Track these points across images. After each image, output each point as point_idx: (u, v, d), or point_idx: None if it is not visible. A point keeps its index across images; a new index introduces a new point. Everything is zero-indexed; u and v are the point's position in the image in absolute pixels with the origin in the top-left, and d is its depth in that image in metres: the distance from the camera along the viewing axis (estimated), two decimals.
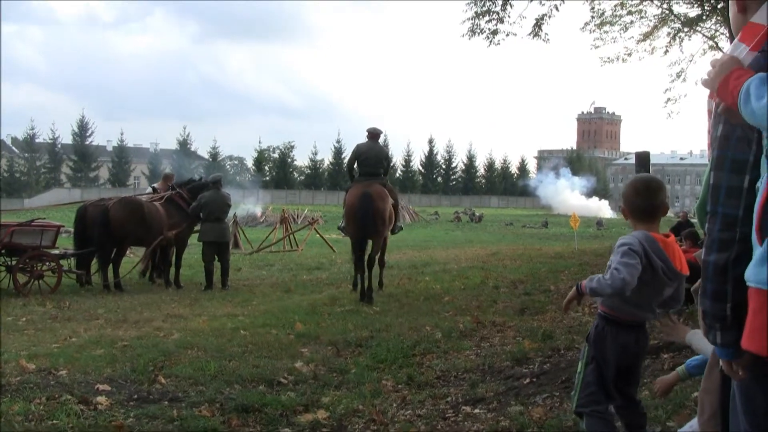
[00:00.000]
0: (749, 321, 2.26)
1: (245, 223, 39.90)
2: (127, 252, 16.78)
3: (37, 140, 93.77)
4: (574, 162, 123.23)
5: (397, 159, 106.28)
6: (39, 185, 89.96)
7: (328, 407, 5.87)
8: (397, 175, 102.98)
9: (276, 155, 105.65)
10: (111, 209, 14.15)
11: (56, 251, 14.19)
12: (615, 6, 22.31)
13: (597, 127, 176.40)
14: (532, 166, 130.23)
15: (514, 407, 5.68)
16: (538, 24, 20.30)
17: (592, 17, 22.38)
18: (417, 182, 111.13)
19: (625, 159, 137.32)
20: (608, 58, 24.28)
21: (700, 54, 24.22)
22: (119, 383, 6.42)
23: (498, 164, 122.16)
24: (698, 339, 3.77)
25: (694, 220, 14.53)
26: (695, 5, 22.25)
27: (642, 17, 22.98)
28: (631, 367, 4.07)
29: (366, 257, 12.33)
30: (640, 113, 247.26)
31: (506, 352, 7.84)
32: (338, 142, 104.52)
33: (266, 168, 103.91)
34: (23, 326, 9.72)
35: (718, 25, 21.93)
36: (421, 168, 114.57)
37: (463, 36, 20.31)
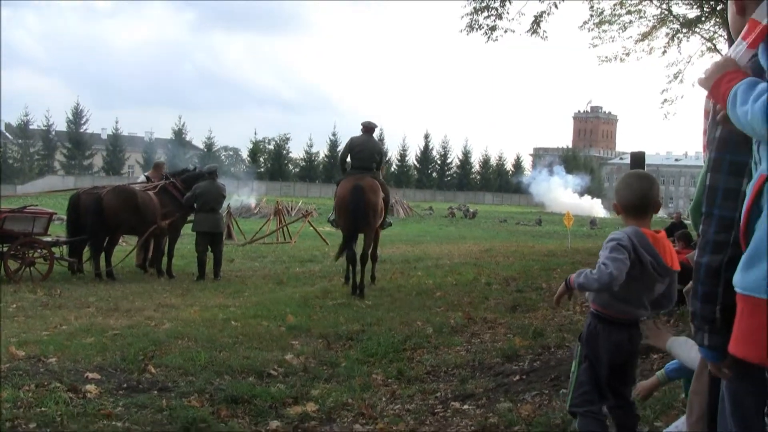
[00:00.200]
0: (736, 326, 2.26)
1: (239, 214, 39.87)
2: (120, 240, 16.75)
3: (31, 127, 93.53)
4: (570, 160, 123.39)
5: (393, 153, 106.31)
6: (32, 172, 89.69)
7: (317, 400, 5.88)
8: (393, 169, 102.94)
9: (271, 147, 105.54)
10: (104, 197, 14.10)
11: (48, 238, 14.14)
12: (614, 5, 22.29)
13: (593, 126, 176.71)
14: (527, 163, 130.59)
15: (503, 404, 5.70)
16: (537, 21, 20.30)
17: (591, 16, 22.38)
18: (412, 177, 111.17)
19: (621, 159, 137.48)
20: (606, 57, 24.29)
21: (698, 55, 24.27)
22: (109, 372, 6.41)
23: (493, 161, 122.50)
24: (678, 346, 3.78)
25: (688, 222, 14.54)
26: (694, 6, 22.26)
27: (641, 17, 22.99)
28: (625, 366, 4.05)
29: (359, 252, 12.32)
30: (637, 113, 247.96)
31: (497, 348, 7.84)
32: (334, 135, 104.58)
33: (261, 159, 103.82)
34: (13, 313, 9.70)
35: (716, 26, 21.95)
36: (416, 163, 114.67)
37: (461, 31, 20.30)
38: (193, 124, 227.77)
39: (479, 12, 19.78)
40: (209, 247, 14.46)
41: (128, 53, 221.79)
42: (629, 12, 22.61)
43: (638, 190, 3.93)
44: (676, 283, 4.06)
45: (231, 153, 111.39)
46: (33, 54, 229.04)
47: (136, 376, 6.35)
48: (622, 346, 3.96)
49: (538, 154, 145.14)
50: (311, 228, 27.57)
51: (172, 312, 9.89)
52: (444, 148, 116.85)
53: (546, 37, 20.74)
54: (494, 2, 19.47)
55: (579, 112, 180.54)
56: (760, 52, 2.30)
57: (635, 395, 4.25)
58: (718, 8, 19.78)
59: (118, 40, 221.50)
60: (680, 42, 23.47)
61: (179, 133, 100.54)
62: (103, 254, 14.23)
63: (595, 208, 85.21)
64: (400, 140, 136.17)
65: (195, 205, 14.56)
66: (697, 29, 22.94)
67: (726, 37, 19.23)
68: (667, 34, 23.49)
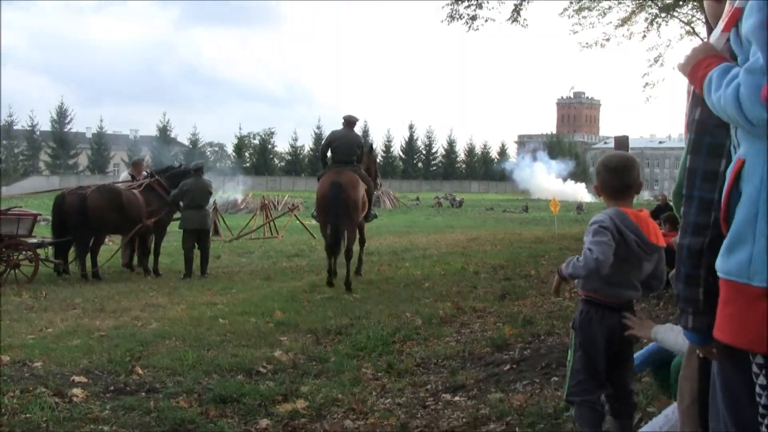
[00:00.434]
0: (719, 311, 2.26)
1: (225, 209, 39.72)
2: (106, 240, 16.65)
3: (15, 127, 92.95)
4: (554, 146, 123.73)
5: (378, 145, 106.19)
6: (17, 173, 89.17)
7: (307, 396, 5.83)
8: (378, 160, 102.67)
9: (256, 141, 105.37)
10: (89, 197, 13.98)
11: (33, 240, 14.03)
12: None
13: (576, 111, 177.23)
14: (512, 150, 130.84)
15: (495, 394, 5.66)
16: (517, 9, 20.39)
17: (571, 2, 22.43)
18: (397, 168, 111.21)
19: (605, 143, 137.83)
20: (587, 43, 24.45)
21: (678, 39, 24.38)
22: (95, 374, 6.34)
23: (478, 149, 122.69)
24: (664, 332, 3.75)
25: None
26: None
27: (620, 2, 23.06)
28: (622, 352, 4.00)
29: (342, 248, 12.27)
30: (619, 98, 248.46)
31: (486, 338, 7.82)
32: (318, 128, 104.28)
33: (246, 154, 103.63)
34: None
35: (694, 10, 22.01)
36: (401, 154, 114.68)
37: (442, 21, 20.35)
38: (178, 120, 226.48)
39: (459, 2, 19.81)
40: (196, 244, 14.39)
41: (112, 51, 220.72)
42: None
43: (617, 171, 3.91)
44: (664, 262, 4.04)
45: (216, 149, 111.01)
46: (16, 53, 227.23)
47: (124, 378, 6.30)
48: (616, 330, 3.91)
49: (523, 141, 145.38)
50: (298, 222, 27.49)
51: (159, 311, 9.82)
52: (429, 138, 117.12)
53: (526, 25, 20.87)
54: None
55: (562, 98, 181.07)
56: (732, 36, 2.29)
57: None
58: None
59: (101, 37, 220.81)
60: (659, 26, 23.60)
61: (164, 130, 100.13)
62: (89, 254, 14.13)
63: (580, 192, 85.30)
64: (385, 131, 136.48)
65: (181, 202, 14.49)
66: (676, 13, 23.03)
67: (704, 20, 19.26)
68: (646, 18, 23.58)
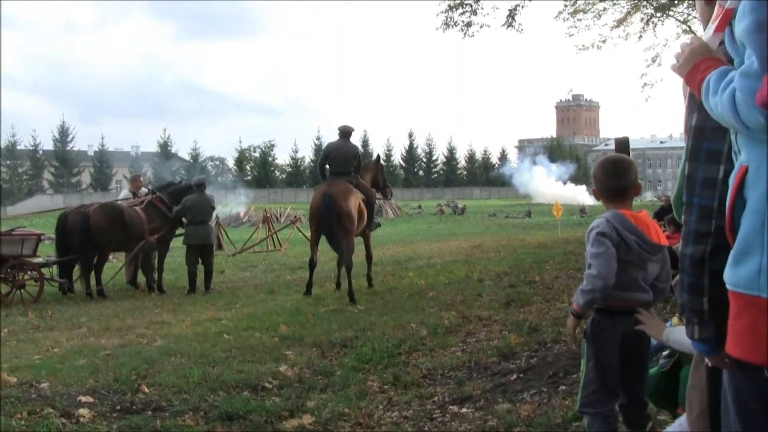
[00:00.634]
0: (730, 325, 2.19)
1: (228, 223, 39.71)
2: (110, 257, 16.66)
3: (18, 147, 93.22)
4: (555, 150, 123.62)
5: (378, 154, 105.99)
6: (21, 192, 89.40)
7: (313, 412, 5.81)
8: None
9: (257, 154, 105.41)
10: (91, 216, 14.03)
11: (38, 259, 14.06)
12: None
13: (575, 114, 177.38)
14: (513, 155, 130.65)
15: (502, 405, 5.63)
16: (512, 14, 20.38)
17: (566, 5, 22.38)
18: (398, 176, 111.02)
19: (606, 145, 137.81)
20: (583, 45, 24.29)
21: (674, 38, 24.32)
22: (102, 394, 6.34)
23: (479, 155, 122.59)
24: (677, 334, 3.69)
25: None
26: None
27: (615, 3, 22.99)
28: (636, 359, 3.93)
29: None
30: (618, 99, 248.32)
31: (492, 347, 7.79)
32: (318, 139, 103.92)
33: (247, 167, 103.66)
34: (5, 338, 9.58)
35: (690, 8, 21.96)
36: (402, 162, 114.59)
37: (437, 29, 20.37)
38: (178, 135, 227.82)
39: (454, 9, 19.85)
40: (200, 259, 14.41)
41: (110, 69, 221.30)
42: None
43: (615, 174, 3.89)
44: (669, 264, 3.98)
45: (217, 162, 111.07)
46: (15, 74, 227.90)
47: (130, 397, 6.29)
48: (628, 336, 3.84)
49: (523, 146, 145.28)
50: (300, 234, 27.47)
51: (164, 328, 9.82)
52: (429, 145, 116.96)
53: (522, 29, 20.85)
54: None
55: (561, 101, 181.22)
56: (726, 37, 2.26)
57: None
58: None
59: (99, 56, 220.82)
60: (655, 26, 23.51)
61: (165, 146, 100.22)
62: (93, 272, 14.15)
63: (580, 195, 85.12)
64: (385, 140, 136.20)
65: (184, 218, 14.52)
66: (671, 12, 22.98)
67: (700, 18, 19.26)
68: (642, 19, 23.51)
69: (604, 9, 22.91)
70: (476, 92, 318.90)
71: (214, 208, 15.17)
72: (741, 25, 2.08)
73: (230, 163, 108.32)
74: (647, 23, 23.47)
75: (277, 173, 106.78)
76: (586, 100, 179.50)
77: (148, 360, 7.60)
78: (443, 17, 20.04)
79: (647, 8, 23.09)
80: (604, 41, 23.86)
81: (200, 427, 5.46)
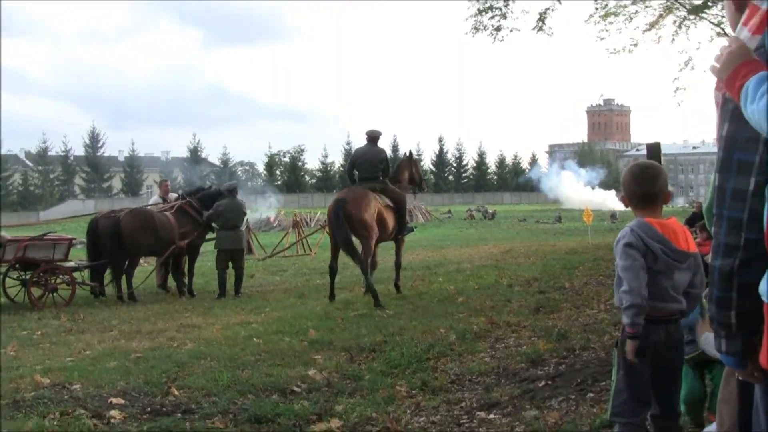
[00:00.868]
0: (765, 338, 2.16)
1: (258, 228, 39.93)
2: (141, 261, 16.82)
3: (49, 153, 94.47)
4: (586, 155, 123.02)
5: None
6: (53, 197, 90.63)
7: (341, 416, 5.83)
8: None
9: (287, 159, 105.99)
10: (122, 221, 14.19)
11: (70, 263, 14.23)
12: None
13: (607, 119, 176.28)
14: (543, 161, 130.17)
15: (530, 411, 5.62)
16: (542, 18, 20.31)
17: (596, 9, 22.23)
18: (429, 181, 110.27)
19: (637, 150, 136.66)
20: (614, 49, 24.07)
21: (708, 41, 24.05)
22: (132, 396, 6.40)
23: (509, 160, 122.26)
24: (709, 342, 3.64)
25: None
26: None
27: (647, 6, 22.79)
28: (668, 369, 3.87)
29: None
30: (650, 103, 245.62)
31: (521, 353, 7.76)
32: (348, 144, 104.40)
33: (277, 172, 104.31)
34: (38, 340, 9.73)
35: (724, 11, 21.72)
36: (432, 167, 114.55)
37: (467, 33, 20.36)
38: (208, 140, 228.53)
39: (483, 13, 19.84)
40: (230, 263, 14.51)
41: (138, 75, 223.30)
42: (634, 2, 22.45)
43: (643, 181, 3.83)
44: (702, 269, 3.86)
45: (247, 167, 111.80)
46: (45, 82, 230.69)
47: (160, 399, 6.35)
48: (659, 346, 3.78)
49: (554, 151, 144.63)
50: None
51: (194, 332, 9.90)
52: (459, 150, 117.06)
53: (552, 33, 20.78)
54: (497, 2, 19.47)
55: (592, 105, 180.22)
56: (766, 40, 2.21)
57: None
58: None
59: (127, 62, 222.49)
60: (688, 29, 23.23)
61: (194, 151, 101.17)
62: (124, 276, 14.30)
63: (609, 200, 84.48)
64: (415, 145, 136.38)
65: (216, 223, 14.64)
66: (704, 15, 22.73)
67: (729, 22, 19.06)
68: (674, 22, 23.26)
69: (636, 12, 22.71)
70: (506, 97, 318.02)
71: (245, 214, 15.30)
72: None
73: (260, 168, 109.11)
74: (680, 26, 23.23)
75: (307, 178, 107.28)
76: (617, 104, 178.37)
77: (179, 363, 7.66)
78: (472, 21, 20.06)
79: (680, 11, 22.86)
80: (635, 45, 23.66)
81: (229, 429, 5.50)
